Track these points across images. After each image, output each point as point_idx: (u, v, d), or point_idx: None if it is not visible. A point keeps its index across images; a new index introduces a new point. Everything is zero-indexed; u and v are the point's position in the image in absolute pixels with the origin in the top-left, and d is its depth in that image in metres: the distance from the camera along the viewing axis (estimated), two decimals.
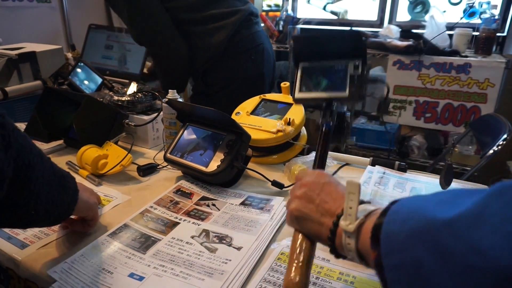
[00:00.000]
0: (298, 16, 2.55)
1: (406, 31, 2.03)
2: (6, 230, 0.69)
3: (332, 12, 2.57)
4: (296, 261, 0.45)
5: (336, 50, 0.68)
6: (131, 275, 0.58)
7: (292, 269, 0.45)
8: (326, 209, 0.45)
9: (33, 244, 0.65)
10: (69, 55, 2.13)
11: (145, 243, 0.66)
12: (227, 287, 0.56)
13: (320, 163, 0.60)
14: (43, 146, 1.08)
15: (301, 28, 2.41)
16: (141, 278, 0.57)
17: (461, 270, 0.26)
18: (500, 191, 0.27)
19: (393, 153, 2.10)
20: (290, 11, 2.46)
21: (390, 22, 2.33)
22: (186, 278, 0.58)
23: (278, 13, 2.52)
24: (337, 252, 0.43)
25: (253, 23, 1.33)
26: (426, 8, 2.20)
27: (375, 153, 2.14)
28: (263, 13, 2.58)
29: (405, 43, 1.88)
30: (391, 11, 2.34)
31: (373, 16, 2.42)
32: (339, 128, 0.72)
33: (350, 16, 2.54)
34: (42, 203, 0.50)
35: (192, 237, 0.68)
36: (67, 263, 0.60)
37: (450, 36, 2.00)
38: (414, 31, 2.11)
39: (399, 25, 2.22)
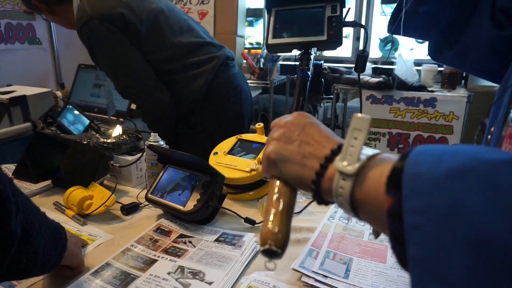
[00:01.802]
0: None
1: (377, 68, 2.18)
2: None
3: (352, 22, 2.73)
4: (274, 210, 0.40)
5: None
6: None
7: (270, 218, 0.40)
8: (309, 151, 0.40)
9: (20, 285, 0.71)
10: (59, 93, 2.21)
11: (124, 280, 0.72)
12: None
13: (298, 108, 0.57)
14: (31, 186, 1.14)
15: (281, 65, 2.56)
16: None
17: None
18: None
19: None
20: None
21: (393, 33, 2.50)
22: None
23: (259, 51, 2.67)
24: (321, 197, 0.39)
25: (229, 67, 1.45)
26: (395, 46, 2.38)
27: None
28: (246, 51, 2.73)
29: (376, 79, 2.02)
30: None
31: (348, 53, 2.59)
32: (315, 81, 0.69)
33: (326, 53, 2.70)
34: (40, 256, 0.55)
35: (169, 273, 0.75)
36: None
37: (419, 71, 2.15)
38: (385, 67, 2.26)
39: (372, 61, 2.38)
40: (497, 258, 0.22)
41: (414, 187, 0.27)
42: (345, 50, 2.63)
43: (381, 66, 2.26)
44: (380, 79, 2.01)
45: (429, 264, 0.25)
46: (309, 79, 0.61)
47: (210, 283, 0.71)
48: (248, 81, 2.47)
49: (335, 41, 0.62)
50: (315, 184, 0.38)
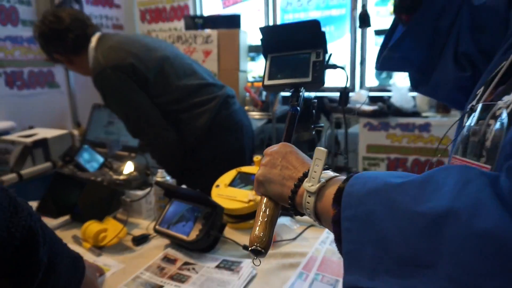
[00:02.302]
0: None
1: (374, 97, 2.30)
2: None
3: (334, 64, 2.87)
4: (261, 220, 0.52)
5: (300, 40, 0.75)
6: None
7: (258, 225, 0.51)
8: (288, 174, 0.51)
9: None
10: (75, 132, 2.38)
11: None
12: None
13: (286, 139, 0.66)
14: (52, 221, 1.25)
15: (283, 96, 2.70)
16: None
17: (403, 216, 0.32)
18: (446, 168, 0.35)
19: None
20: None
21: (361, 87, 2.62)
22: None
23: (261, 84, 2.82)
24: (296, 210, 0.50)
25: (230, 104, 1.58)
26: (390, 74, 2.49)
27: None
28: (249, 84, 2.88)
29: (372, 107, 2.13)
30: (361, 78, 2.64)
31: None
32: (307, 113, 0.79)
33: (325, 83, 2.83)
34: (62, 282, 0.64)
35: None
36: None
37: (415, 97, 2.25)
38: (382, 94, 2.37)
39: (368, 89, 2.50)
40: (391, 250, 0.33)
41: (348, 202, 0.39)
42: (343, 80, 2.76)
43: (378, 94, 2.37)
44: (376, 107, 2.12)
45: (353, 256, 0.36)
46: (298, 113, 0.71)
47: None
48: (252, 113, 2.61)
49: (318, 82, 0.73)
50: (291, 200, 0.49)
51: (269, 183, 0.53)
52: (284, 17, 3.07)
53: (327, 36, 0.77)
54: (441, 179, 0.33)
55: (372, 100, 2.26)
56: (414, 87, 0.84)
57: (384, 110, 2.07)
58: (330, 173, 0.47)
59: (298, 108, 0.70)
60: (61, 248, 0.64)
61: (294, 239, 1.08)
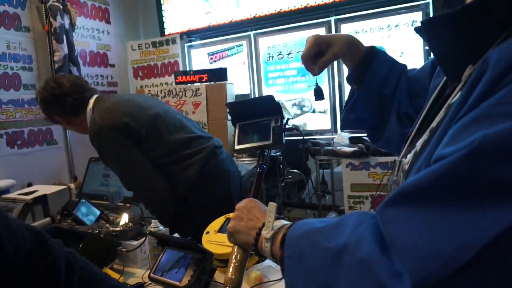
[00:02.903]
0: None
1: (354, 137, 2.45)
2: None
3: (293, 125, 3.05)
4: (232, 264, 0.62)
5: (261, 110, 0.92)
6: None
7: (230, 269, 0.62)
8: (252, 225, 0.61)
9: None
10: (72, 185, 2.47)
11: None
12: None
13: (254, 194, 0.79)
14: None
15: None
16: None
17: (319, 251, 0.41)
18: (352, 213, 0.43)
19: None
20: None
21: (341, 129, 2.78)
22: None
23: None
24: (259, 254, 0.59)
25: (217, 154, 1.70)
26: None
27: None
28: None
29: (351, 149, 2.27)
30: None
31: (327, 125, 2.89)
32: (273, 169, 0.94)
33: (309, 127, 3.01)
34: None
35: None
36: None
37: None
38: (362, 135, 2.53)
39: (349, 131, 2.66)
40: (313, 278, 0.42)
41: (288, 244, 0.49)
42: (325, 123, 2.95)
43: (358, 135, 2.53)
44: (356, 148, 2.26)
45: (290, 285, 0.47)
46: (265, 171, 0.84)
47: None
48: (242, 158, 2.74)
49: (278, 143, 0.88)
50: (254, 246, 0.59)
51: (238, 234, 0.63)
52: (267, 68, 3.30)
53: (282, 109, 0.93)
54: (346, 222, 0.42)
55: (353, 141, 2.41)
56: (373, 142, 0.98)
57: (363, 151, 2.22)
58: (282, 222, 0.57)
59: (264, 166, 0.85)
60: (99, 273, 0.66)
61: (280, 279, 1.16)
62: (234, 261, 0.63)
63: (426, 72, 0.78)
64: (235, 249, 0.64)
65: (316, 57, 0.84)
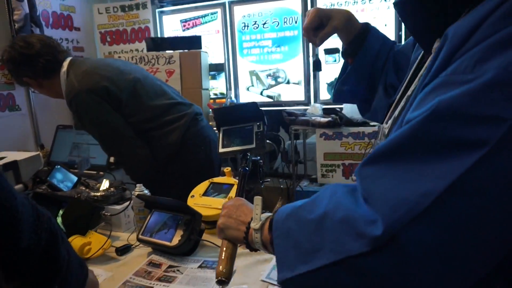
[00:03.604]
0: (241, 101, 3.02)
1: (327, 109, 2.52)
2: None
3: (268, 96, 3.08)
4: (223, 258, 0.67)
5: (245, 115, 0.98)
6: None
7: (220, 263, 0.67)
8: (241, 220, 0.65)
9: None
10: (39, 154, 2.37)
11: None
12: None
13: (239, 194, 0.85)
14: None
15: None
16: None
17: (304, 224, 0.46)
18: (326, 187, 0.48)
19: None
20: (233, 98, 2.92)
21: (315, 101, 2.85)
22: None
23: (223, 100, 2.97)
24: (250, 246, 0.63)
25: (198, 121, 1.70)
26: None
27: None
28: (211, 101, 3.02)
29: (325, 119, 2.34)
30: (315, 92, 2.87)
31: (301, 97, 2.94)
32: (254, 171, 0.98)
33: (283, 98, 3.05)
34: (74, 278, 0.69)
35: None
36: None
37: None
38: (335, 107, 2.61)
39: (322, 103, 2.73)
40: (301, 248, 0.45)
41: (275, 226, 0.53)
42: (299, 94, 2.99)
43: (331, 106, 2.61)
44: (330, 118, 2.33)
45: (281, 260, 0.50)
46: (248, 172, 0.91)
47: None
48: (215, 128, 2.74)
49: (261, 147, 0.95)
50: (245, 239, 0.63)
51: (228, 229, 0.68)
52: (242, 38, 3.26)
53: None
54: (322, 195, 0.48)
55: (326, 112, 2.49)
56: (362, 114, 1.05)
57: (337, 121, 2.29)
58: (267, 214, 0.63)
59: (247, 168, 0.91)
60: (70, 247, 0.70)
61: None
62: (224, 254, 0.67)
63: (409, 46, 0.84)
64: (225, 244, 0.69)
65: (317, 30, 0.88)
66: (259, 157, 1.01)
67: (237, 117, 1.00)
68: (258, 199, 0.63)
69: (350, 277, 0.38)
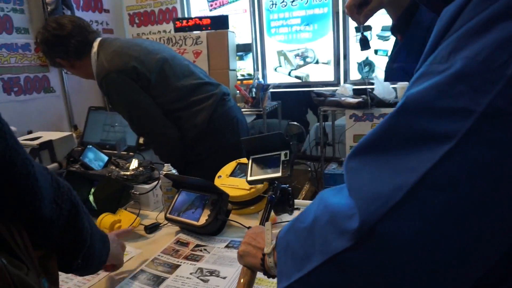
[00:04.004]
0: (268, 81, 2.97)
1: (357, 89, 2.43)
2: None
3: (296, 77, 3.01)
4: (242, 284, 0.69)
5: (272, 145, 1.02)
6: None
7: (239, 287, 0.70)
8: (259, 247, 0.66)
9: None
10: (73, 134, 2.45)
11: (157, 281, 0.92)
12: None
13: (262, 221, 0.88)
14: None
15: (272, 92, 2.81)
16: None
17: (298, 233, 0.47)
18: (318, 194, 0.49)
19: None
20: (260, 79, 2.87)
21: (345, 81, 2.75)
22: None
23: (251, 81, 2.93)
24: (268, 273, 0.63)
25: (226, 101, 1.68)
26: (372, 68, 2.64)
27: None
28: (238, 82, 2.99)
29: (356, 100, 2.26)
30: (345, 72, 2.78)
31: (331, 77, 2.85)
32: (282, 199, 1.01)
33: (311, 78, 2.97)
34: (97, 252, 0.72)
35: (191, 273, 0.94)
36: None
37: (396, 89, 2.40)
38: (365, 87, 2.51)
39: (352, 83, 2.64)
40: (297, 257, 0.46)
41: (278, 243, 0.55)
42: (328, 74, 2.90)
43: (362, 87, 2.51)
44: (360, 99, 2.25)
45: (281, 271, 0.49)
46: (274, 201, 0.94)
47: (224, 278, 0.91)
48: (242, 109, 2.72)
49: (287, 176, 0.98)
50: (262, 266, 0.64)
51: (246, 256, 0.69)
52: (270, 17, 3.18)
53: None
54: (313, 203, 0.49)
55: (356, 92, 2.40)
56: None
57: (367, 102, 2.21)
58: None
59: (274, 196, 0.94)
60: (92, 221, 0.71)
61: None
62: (243, 281, 0.69)
63: None
64: (244, 271, 0.71)
65: (361, 7, 0.83)
66: (287, 185, 1.03)
67: (264, 146, 1.04)
68: (268, 224, 0.65)
69: (340, 275, 0.39)
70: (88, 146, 1.68)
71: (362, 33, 0.94)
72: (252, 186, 1.24)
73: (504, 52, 0.31)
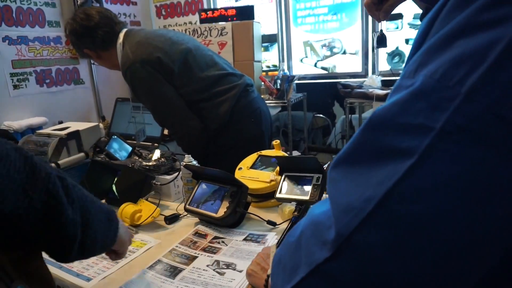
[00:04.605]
0: (294, 73, 2.91)
1: (386, 80, 2.34)
2: (75, 269, 0.97)
3: (323, 68, 2.93)
4: None
5: (306, 167, 1.04)
6: None
7: None
8: (265, 269, 0.70)
9: (95, 278, 0.92)
10: (100, 125, 2.51)
11: (173, 272, 0.92)
12: None
13: (279, 242, 0.89)
14: None
15: (297, 84, 2.76)
16: None
17: (288, 248, 0.48)
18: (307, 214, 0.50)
19: None
20: (286, 70, 2.82)
21: (373, 72, 2.65)
22: None
23: (276, 73, 2.89)
24: None
25: (249, 92, 1.66)
26: (402, 58, 2.53)
27: None
28: (263, 74, 2.95)
29: (384, 91, 2.17)
30: (373, 63, 2.67)
31: (358, 68, 2.76)
32: None
33: (338, 70, 2.88)
34: (99, 236, 0.63)
35: (207, 265, 0.94)
36: (121, 287, 0.86)
37: None
38: (394, 79, 2.41)
39: (381, 74, 2.54)
40: (286, 269, 0.45)
41: (273, 258, 0.54)
42: (355, 65, 2.80)
43: (391, 78, 2.41)
44: (388, 91, 2.16)
45: (275, 286, 0.49)
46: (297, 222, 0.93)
47: (240, 271, 0.90)
48: (267, 101, 2.69)
49: (314, 201, 0.98)
50: (265, 286, 0.65)
51: (253, 277, 0.74)
52: (296, 6, 3.11)
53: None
54: (303, 218, 0.49)
55: (385, 84, 2.30)
56: None
57: None
58: None
59: (297, 218, 0.96)
60: (92, 204, 0.62)
61: None
62: None
63: None
64: None
65: (380, 2, 0.78)
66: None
67: (299, 166, 1.07)
68: (273, 247, 0.68)
69: (324, 285, 0.39)
70: (113, 137, 1.71)
71: (381, 31, 0.88)
72: (272, 179, 1.22)
73: (460, 70, 0.31)
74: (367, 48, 2.79)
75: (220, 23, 2.85)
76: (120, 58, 1.55)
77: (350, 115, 2.66)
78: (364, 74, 2.76)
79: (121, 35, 1.57)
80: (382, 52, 2.69)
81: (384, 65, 2.68)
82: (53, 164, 1.52)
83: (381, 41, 0.92)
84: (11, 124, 2.35)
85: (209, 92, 1.56)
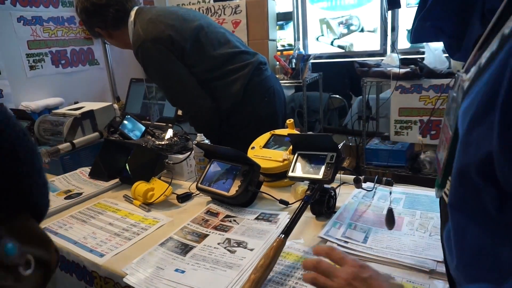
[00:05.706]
0: (309, 52, 2.84)
1: (405, 59, 2.25)
2: (88, 244, 0.98)
3: (339, 46, 2.84)
4: (250, 280, 0.69)
5: (320, 145, 0.99)
6: (176, 270, 0.84)
7: None
8: None
9: (108, 254, 0.93)
10: (115, 105, 2.51)
11: (184, 249, 0.92)
12: (241, 275, 0.80)
13: (290, 225, 0.83)
14: (104, 184, 1.38)
15: (312, 63, 2.69)
16: (183, 272, 0.83)
17: None
18: None
19: (406, 169, 2.27)
20: (301, 49, 2.75)
21: (392, 50, 2.56)
22: (214, 270, 0.82)
23: (291, 52, 2.82)
24: None
25: (262, 71, 1.62)
26: None
27: (389, 170, 2.32)
28: (278, 53, 2.89)
29: (403, 70, 2.09)
30: (393, 41, 2.57)
31: (376, 46, 2.66)
32: (320, 200, 0.97)
33: (355, 48, 2.79)
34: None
35: (218, 243, 0.93)
36: (133, 263, 0.87)
37: (449, 58, 2.19)
38: (414, 57, 2.32)
39: (401, 52, 2.44)
40: None
41: None
42: (373, 44, 2.71)
43: (411, 56, 2.32)
44: (408, 69, 2.08)
45: None
46: (310, 201, 0.92)
47: (251, 250, 0.89)
48: (282, 81, 2.64)
49: (327, 180, 0.94)
50: None
51: None
52: None
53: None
54: None
55: (404, 62, 2.22)
56: (451, 55, 0.86)
57: (416, 72, 2.03)
58: None
59: (309, 197, 0.92)
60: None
61: None
62: (253, 276, 0.71)
63: None
64: (258, 267, 0.73)
65: None
66: (329, 186, 1.00)
67: (313, 144, 1.02)
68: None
69: None
70: (126, 116, 1.71)
71: None
72: (285, 158, 1.19)
73: None
74: (386, 27, 2.69)
75: (234, 0, 2.79)
76: (131, 36, 1.53)
77: (367, 96, 2.59)
78: (383, 53, 2.66)
79: (132, 13, 1.54)
80: (402, 29, 2.58)
81: (404, 43, 2.58)
82: (68, 144, 1.53)
83: (393, 2, 0.85)
84: (28, 105, 2.38)
85: (221, 70, 1.53)
